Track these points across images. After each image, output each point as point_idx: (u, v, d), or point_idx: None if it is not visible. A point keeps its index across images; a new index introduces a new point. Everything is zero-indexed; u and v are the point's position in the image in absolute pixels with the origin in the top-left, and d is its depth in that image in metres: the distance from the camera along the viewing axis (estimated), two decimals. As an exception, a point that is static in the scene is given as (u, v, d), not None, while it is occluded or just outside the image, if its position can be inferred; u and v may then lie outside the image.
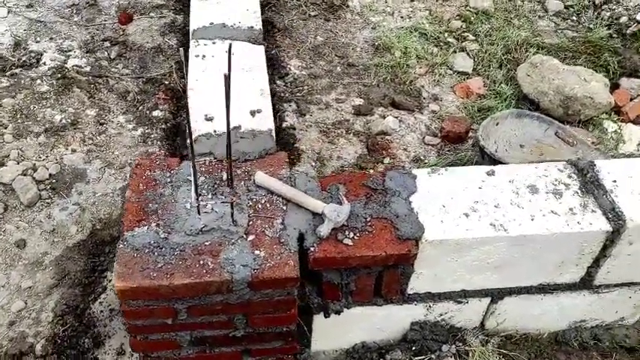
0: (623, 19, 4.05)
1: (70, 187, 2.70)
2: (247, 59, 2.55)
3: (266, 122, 2.25)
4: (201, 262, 1.77)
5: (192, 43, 2.61)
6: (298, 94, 3.38)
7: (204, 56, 2.52)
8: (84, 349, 2.20)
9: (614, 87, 3.48)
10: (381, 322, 2.19)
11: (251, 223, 1.88)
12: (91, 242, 2.51)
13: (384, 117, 3.22)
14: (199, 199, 1.88)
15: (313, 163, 2.92)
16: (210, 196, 1.94)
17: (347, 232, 1.88)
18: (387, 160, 2.98)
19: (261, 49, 2.63)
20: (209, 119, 2.23)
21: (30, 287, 2.34)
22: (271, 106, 2.37)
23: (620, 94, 3.38)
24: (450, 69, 3.65)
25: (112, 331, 2.29)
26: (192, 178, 1.81)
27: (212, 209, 1.90)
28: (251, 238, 1.84)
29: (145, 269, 1.74)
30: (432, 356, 2.18)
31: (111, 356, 2.23)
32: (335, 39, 3.86)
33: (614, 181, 2.10)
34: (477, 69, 3.65)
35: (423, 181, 2.07)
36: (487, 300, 2.19)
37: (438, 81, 3.56)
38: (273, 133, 2.24)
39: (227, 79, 1.45)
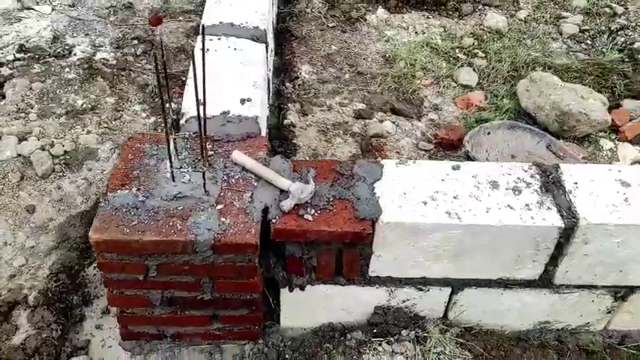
0: (637, 45, 4.09)
1: (82, 163, 2.95)
2: (247, 55, 2.75)
3: (253, 110, 2.43)
4: (171, 223, 1.95)
5: (199, 38, 2.84)
6: (304, 96, 3.57)
7: (207, 49, 2.74)
8: (72, 304, 2.41)
9: (615, 107, 3.53)
10: (345, 303, 2.31)
11: (222, 194, 2.06)
12: (93, 213, 2.72)
13: (382, 121, 3.37)
14: (179, 169, 2.08)
15: (307, 158, 3.09)
16: (189, 168, 2.13)
17: (309, 209, 2.03)
18: (378, 161, 3.12)
19: (262, 46, 2.83)
20: (202, 104, 2.43)
21: (33, 247, 2.58)
22: (262, 97, 2.56)
23: (620, 114, 3.43)
24: (455, 82, 3.77)
25: (100, 293, 2.49)
26: (167, 149, 2.00)
27: (189, 180, 2.09)
28: (220, 207, 2.02)
29: (120, 225, 1.93)
30: (391, 339, 2.29)
31: (96, 314, 2.43)
32: (348, 49, 4.05)
33: (575, 183, 2.17)
34: (481, 83, 3.76)
35: (390, 170, 2.20)
36: (448, 290, 2.28)
37: (441, 92, 3.69)
38: (260, 121, 2.42)
39: (193, 58, 1.64)
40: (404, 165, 2.23)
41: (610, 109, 3.43)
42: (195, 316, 2.21)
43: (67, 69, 3.49)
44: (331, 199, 2.08)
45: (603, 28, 4.38)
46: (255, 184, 2.11)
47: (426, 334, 2.28)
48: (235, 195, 2.07)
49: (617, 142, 3.34)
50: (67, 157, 2.97)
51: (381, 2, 4.48)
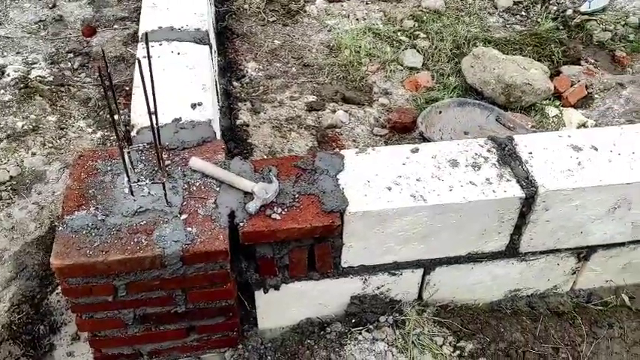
0: (569, 12, 4.23)
1: (30, 187, 2.83)
2: (192, 58, 2.69)
3: (205, 114, 2.38)
4: (136, 239, 1.89)
5: (139, 45, 2.76)
6: (254, 94, 3.52)
7: (150, 56, 2.65)
8: (39, 335, 2.31)
9: (556, 75, 3.64)
10: (321, 297, 2.31)
11: (185, 203, 2.01)
12: (49, 238, 2.62)
13: (334, 111, 3.37)
14: (137, 182, 2.02)
15: (265, 156, 3.05)
16: (147, 181, 2.07)
17: (275, 208, 2.01)
18: (336, 151, 3.12)
19: (205, 48, 2.77)
20: (153, 113, 2.36)
21: (-11, 281, 2.46)
22: (212, 100, 2.51)
23: (561, 81, 3.54)
24: (401, 65, 3.80)
25: (68, 319, 2.40)
26: (122, 163, 1.94)
27: (149, 192, 2.03)
28: (184, 217, 1.97)
29: (82, 248, 1.86)
30: (371, 327, 2.30)
31: (66, 342, 2.34)
32: (292, 42, 4.03)
33: (530, 153, 2.23)
34: (426, 64, 3.81)
35: (351, 160, 2.20)
36: (420, 271, 2.31)
37: (388, 77, 3.71)
38: (213, 124, 2.37)
39: (141, 67, 1.59)
40: (364, 153, 2.23)
41: (551, 77, 3.53)
42: (171, 330, 2.16)
43: (2, 91, 3.33)
44: (296, 195, 2.06)
45: (536, -2, 4.50)
46: (218, 189, 2.07)
47: (403, 318, 2.31)
48: (199, 203, 2.02)
49: (561, 109, 3.44)
50: (14, 182, 2.84)
51: (318, -8, 4.46)
